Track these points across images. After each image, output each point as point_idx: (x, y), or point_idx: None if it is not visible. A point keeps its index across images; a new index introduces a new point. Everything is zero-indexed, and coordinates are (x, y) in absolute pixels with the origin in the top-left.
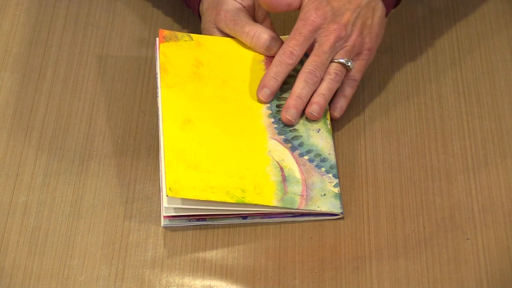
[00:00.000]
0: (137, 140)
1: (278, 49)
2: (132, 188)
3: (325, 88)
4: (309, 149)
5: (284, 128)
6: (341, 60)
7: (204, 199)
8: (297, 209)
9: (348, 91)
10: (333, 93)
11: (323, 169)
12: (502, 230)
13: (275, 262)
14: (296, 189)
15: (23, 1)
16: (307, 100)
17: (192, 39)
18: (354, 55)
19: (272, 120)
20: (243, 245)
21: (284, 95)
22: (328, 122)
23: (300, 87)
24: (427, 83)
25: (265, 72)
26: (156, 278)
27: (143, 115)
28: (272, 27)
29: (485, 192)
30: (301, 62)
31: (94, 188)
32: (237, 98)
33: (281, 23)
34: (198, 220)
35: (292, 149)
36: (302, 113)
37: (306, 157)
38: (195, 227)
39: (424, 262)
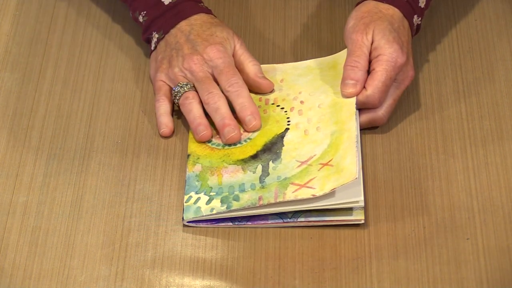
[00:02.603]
0: (137, 140)
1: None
2: (132, 188)
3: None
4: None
5: None
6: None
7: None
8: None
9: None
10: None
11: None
12: (502, 230)
13: (275, 262)
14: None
15: (23, 1)
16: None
17: None
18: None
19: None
20: (243, 245)
21: None
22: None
23: None
24: (427, 83)
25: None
26: (156, 278)
27: (143, 115)
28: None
29: (485, 192)
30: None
31: (94, 188)
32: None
33: (281, 30)
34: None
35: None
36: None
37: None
38: (194, 227)
39: (424, 262)
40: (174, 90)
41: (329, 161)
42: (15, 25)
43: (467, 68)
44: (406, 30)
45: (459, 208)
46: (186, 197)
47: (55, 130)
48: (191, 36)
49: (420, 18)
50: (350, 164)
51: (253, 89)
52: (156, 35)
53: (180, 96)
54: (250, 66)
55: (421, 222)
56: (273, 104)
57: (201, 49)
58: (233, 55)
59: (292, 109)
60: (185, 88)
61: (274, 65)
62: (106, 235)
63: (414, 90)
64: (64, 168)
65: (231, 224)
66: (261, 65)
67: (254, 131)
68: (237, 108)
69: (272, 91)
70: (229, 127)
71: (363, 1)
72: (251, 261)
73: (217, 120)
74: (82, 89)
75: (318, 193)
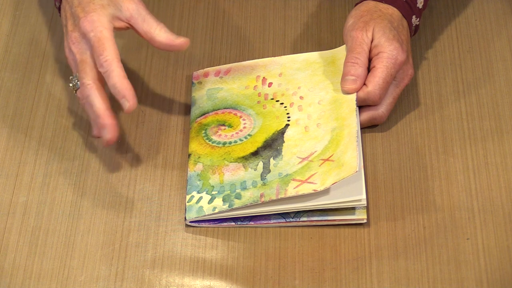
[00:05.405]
0: (137, 140)
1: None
2: (132, 188)
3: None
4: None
5: None
6: None
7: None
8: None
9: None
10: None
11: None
12: (502, 230)
13: (275, 262)
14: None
15: (23, 1)
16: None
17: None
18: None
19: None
20: (243, 245)
21: None
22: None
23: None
24: (427, 83)
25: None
26: (156, 278)
27: (143, 115)
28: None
29: (485, 192)
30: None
31: (94, 188)
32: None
33: (281, 23)
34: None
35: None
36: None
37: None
38: (194, 227)
39: (424, 262)
40: (70, 85)
41: (330, 157)
42: (15, 25)
43: (467, 68)
44: (405, 29)
45: (459, 208)
46: (188, 197)
47: (55, 130)
48: (73, 7)
49: (418, 19)
50: (350, 158)
51: (173, 50)
52: (57, 4)
53: (76, 90)
54: (159, 33)
55: (421, 222)
56: (272, 99)
57: (79, 23)
58: (131, 23)
59: (291, 104)
60: (76, 83)
61: (271, 58)
62: (106, 235)
63: (414, 89)
64: (64, 168)
65: (233, 224)
66: (258, 60)
67: (131, 111)
68: (111, 90)
69: (270, 85)
70: (104, 128)
71: (362, 1)
72: (251, 261)
73: (91, 118)
74: None
75: (319, 188)
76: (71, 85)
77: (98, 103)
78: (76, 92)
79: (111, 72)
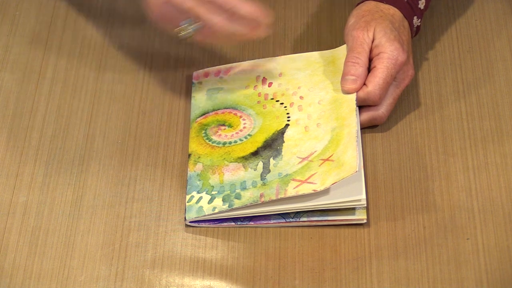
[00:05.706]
0: (137, 140)
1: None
2: (132, 188)
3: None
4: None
5: None
6: None
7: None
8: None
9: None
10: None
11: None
12: (502, 230)
13: (275, 262)
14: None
15: (23, 1)
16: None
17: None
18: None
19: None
20: (243, 245)
21: None
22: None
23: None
24: (427, 83)
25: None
26: (156, 278)
27: (143, 115)
28: None
29: (485, 192)
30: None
31: (94, 188)
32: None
33: (281, 23)
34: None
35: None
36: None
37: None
38: (194, 227)
39: (424, 262)
40: (180, 34)
41: (329, 157)
42: (15, 25)
43: (467, 68)
44: (407, 30)
45: (459, 208)
46: (188, 197)
47: (55, 130)
48: None
49: (419, 20)
50: (350, 158)
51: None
52: None
53: (191, 36)
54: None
55: (421, 222)
56: (272, 99)
57: None
58: None
59: (291, 104)
60: (191, 28)
61: (271, 58)
62: (106, 235)
63: (414, 90)
64: (64, 168)
65: (233, 224)
66: (258, 60)
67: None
68: (244, 17)
69: (270, 85)
70: (261, 20)
71: (363, 1)
72: (251, 261)
73: (236, 33)
74: (82, 89)
75: (319, 188)
76: (183, 33)
77: (246, 8)
78: (193, 36)
79: (235, 7)
